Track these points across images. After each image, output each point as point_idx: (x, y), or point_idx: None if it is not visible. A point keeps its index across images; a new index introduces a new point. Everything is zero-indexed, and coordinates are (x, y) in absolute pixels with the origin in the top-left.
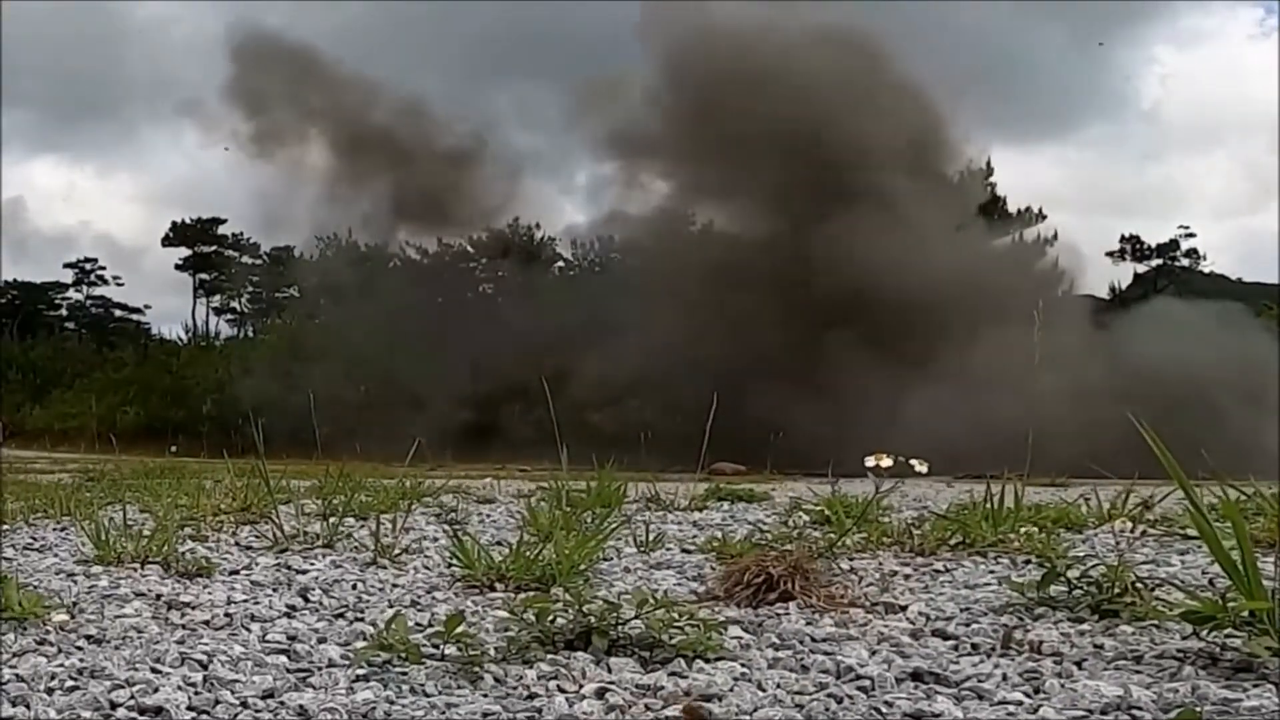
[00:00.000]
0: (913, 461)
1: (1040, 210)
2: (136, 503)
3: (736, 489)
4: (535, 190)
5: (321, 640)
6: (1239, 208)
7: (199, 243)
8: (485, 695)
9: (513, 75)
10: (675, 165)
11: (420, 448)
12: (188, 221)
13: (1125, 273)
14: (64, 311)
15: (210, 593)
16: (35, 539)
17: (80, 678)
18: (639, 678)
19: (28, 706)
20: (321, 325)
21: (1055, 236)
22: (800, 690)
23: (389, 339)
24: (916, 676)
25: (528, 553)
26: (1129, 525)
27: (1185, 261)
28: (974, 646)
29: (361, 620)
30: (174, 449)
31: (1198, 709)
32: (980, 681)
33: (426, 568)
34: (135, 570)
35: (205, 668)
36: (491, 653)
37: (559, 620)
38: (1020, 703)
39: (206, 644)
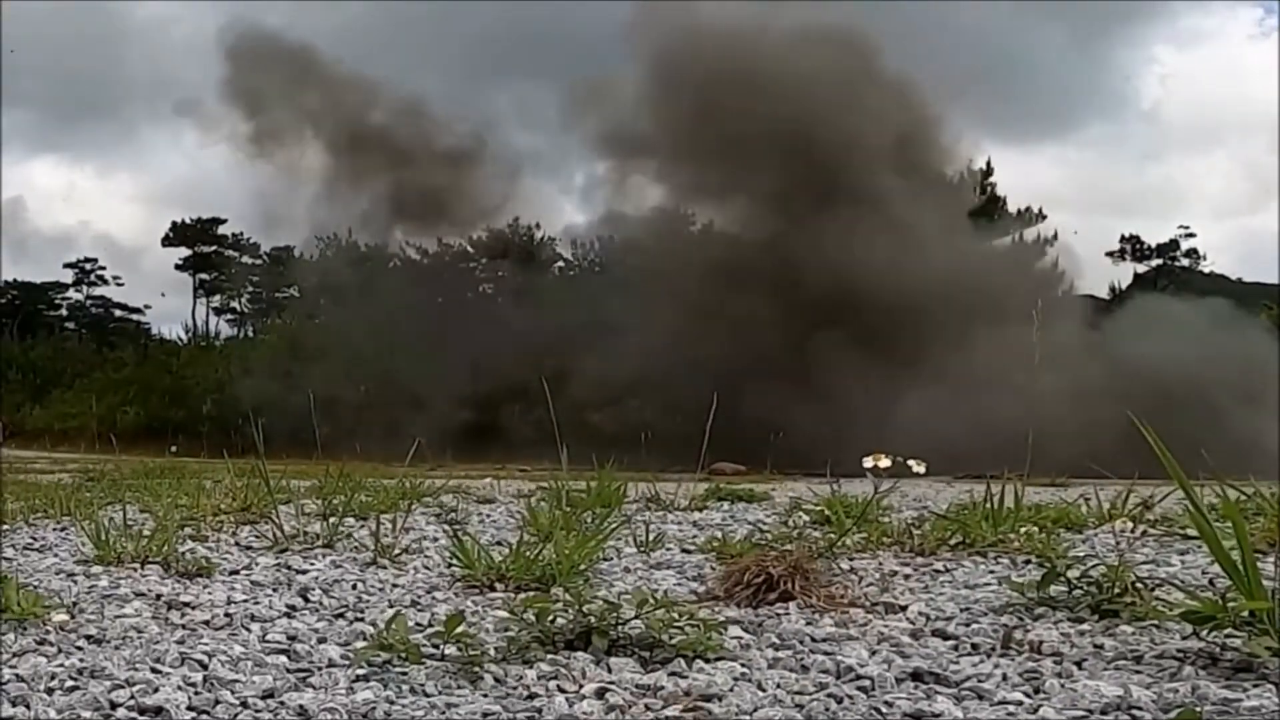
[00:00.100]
0: (910, 462)
1: (1040, 210)
2: (136, 503)
3: (736, 489)
4: (535, 190)
5: (321, 640)
6: (1239, 208)
7: (199, 243)
8: (485, 695)
9: (512, 75)
10: (667, 165)
11: (420, 448)
12: (188, 221)
13: (1125, 273)
14: (64, 311)
15: (210, 593)
16: (35, 539)
17: (80, 678)
18: (639, 678)
19: (28, 706)
20: (321, 325)
21: (1055, 236)
22: (800, 690)
23: (389, 339)
24: (916, 676)
25: (528, 553)
26: (1129, 525)
27: (1185, 261)
28: (974, 646)
29: (361, 620)
30: (174, 449)
31: (1198, 709)
32: (980, 681)
33: (426, 568)
34: (135, 570)
35: (205, 668)
36: (491, 653)
37: (559, 620)
38: (1020, 703)
39: (206, 644)
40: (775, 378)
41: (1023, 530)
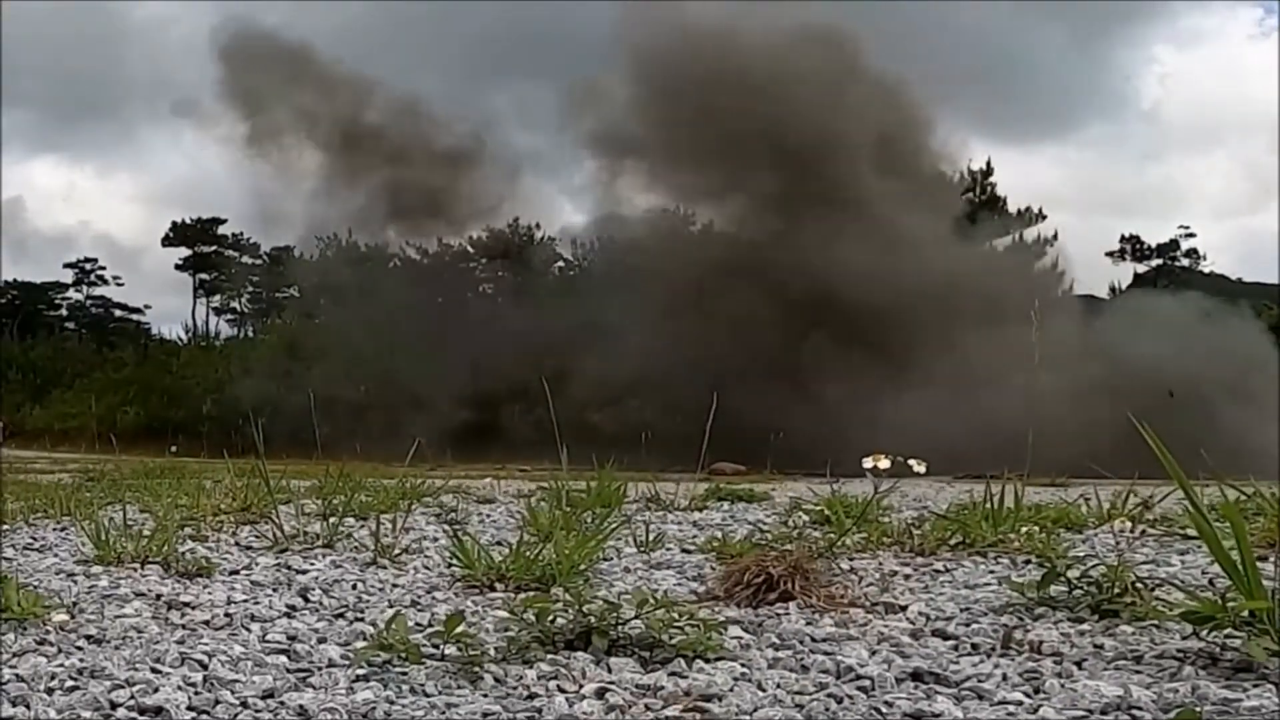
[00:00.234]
0: (911, 462)
1: (1040, 210)
2: (136, 503)
3: (736, 489)
4: (535, 190)
5: (321, 640)
6: (1239, 208)
7: (199, 243)
8: (485, 695)
9: (512, 75)
10: (658, 166)
11: (420, 448)
12: (188, 221)
13: (1125, 273)
14: (64, 311)
15: (210, 593)
16: (35, 539)
17: (80, 678)
18: (639, 678)
19: (28, 706)
20: (321, 325)
21: (1055, 236)
22: (800, 690)
23: (389, 339)
24: (916, 676)
25: (528, 553)
26: (1129, 525)
27: (1185, 261)
28: (974, 646)
29: (361, 620)
30: (174, 449)
31: (1198, 709)
32: (980, 681)
33: (426, 568)
34: (135, 570)
35: (205, 668)
36: (491, 653)
37: (559, 620)
38: (1020, 703)
39: (206, 644)
40: (774, 378)
41: (1023, 530)
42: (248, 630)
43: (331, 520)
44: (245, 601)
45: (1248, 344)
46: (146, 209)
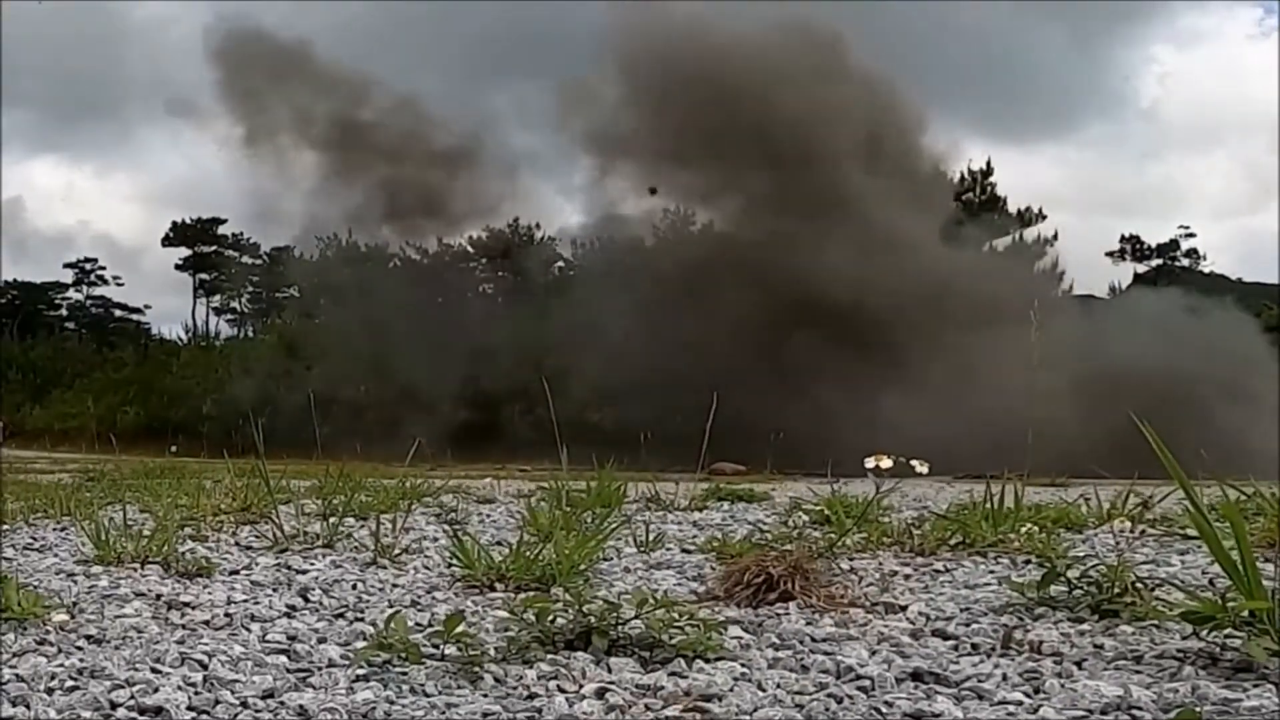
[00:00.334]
0: (913, 462)
1: (1040, 210)
2: (136, 503)
3: (736, 489)
4: (535, 190)
5: (321, 640)
6: (1239, 208)
7: (199, 243)
8: (485, 695)
9: (512, 75)
10: (649, 165)
11: (420, 447)
12: (187, 221)
13: (1125, 273)
14: (64, 311)
15: (210, 593)
16: (35, 539)
17: (80, 678)
18: (639, 678)
19: (28, 706)
20: (321, 325)
21: (1055, 236)
22: (800, 690)
23: (388, 339)
24: (916, 676)
25: (528, 553)
26: (1129, 525)
27: (1185, 261)
28: (974, 646)
29: (361, 620)
30: (174, 449)
31: (1198, 709)
32: (980, 681)
33: (426, 568)
34: (135, 570)
35: (205, 668)
36: (491, 653)
37: (559, 620)
38: (1020, 703)
39: (206, 644)
40: (775, 378)
41: (1023, 530)
42: (248, 630)
43: (331, 520)
44: (245, 601)
45: (1245, 343)
46: (146, 209)
